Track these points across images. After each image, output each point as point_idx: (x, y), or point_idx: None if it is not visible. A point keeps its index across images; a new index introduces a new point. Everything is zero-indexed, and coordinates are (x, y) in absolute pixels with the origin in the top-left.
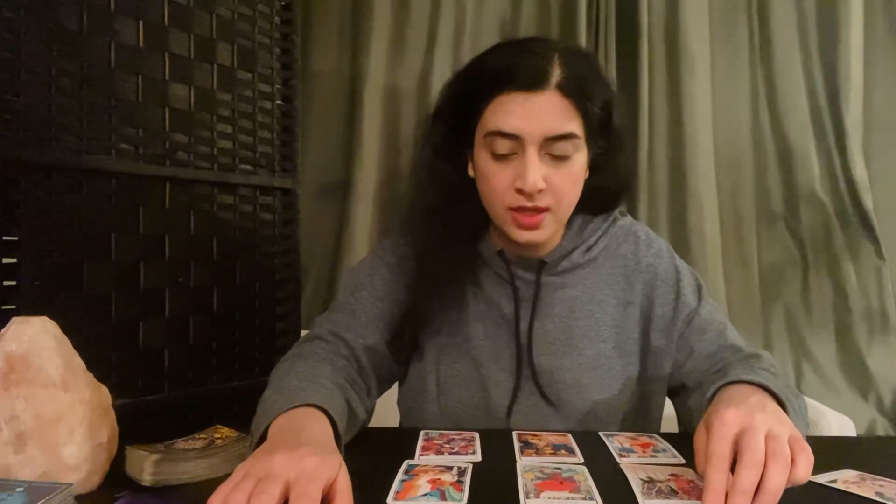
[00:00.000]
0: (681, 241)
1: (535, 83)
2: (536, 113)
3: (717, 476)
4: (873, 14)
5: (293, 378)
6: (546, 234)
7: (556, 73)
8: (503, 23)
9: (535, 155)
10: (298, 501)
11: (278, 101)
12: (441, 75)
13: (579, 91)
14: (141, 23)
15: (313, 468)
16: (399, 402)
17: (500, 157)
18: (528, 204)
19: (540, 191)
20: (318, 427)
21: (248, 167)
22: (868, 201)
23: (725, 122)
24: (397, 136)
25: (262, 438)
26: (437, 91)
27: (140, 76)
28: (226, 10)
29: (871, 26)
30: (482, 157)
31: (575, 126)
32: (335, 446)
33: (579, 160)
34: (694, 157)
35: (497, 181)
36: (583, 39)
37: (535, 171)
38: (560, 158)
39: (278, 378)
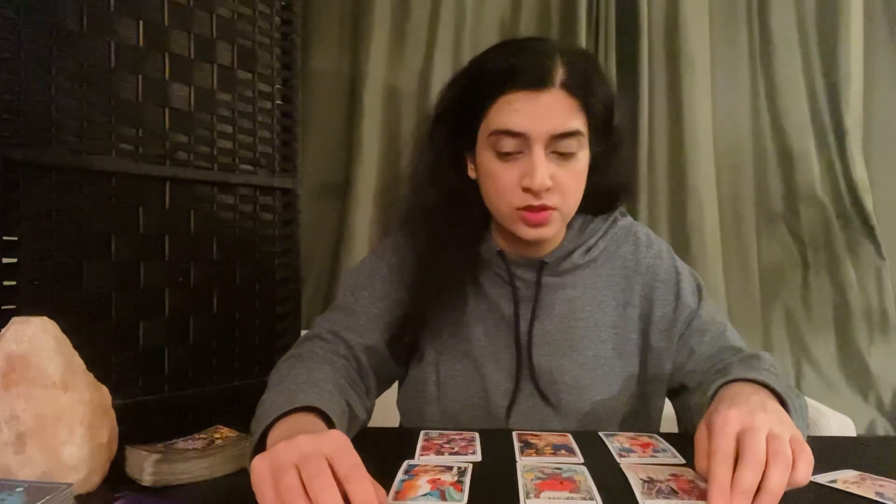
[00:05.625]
0: (681, 241)
1: (540, 81)
2: (542, 111)
3: (721, 470)
4: (873, 14)
5: (292, 380)
6: (552, 230)
7: (560, 72)
8: (503, 23)
9: (541, 153)
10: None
11: (278, 101)
12: (441, 75)
13: (583, 89)
14: (141, 23)
15: (340, 440)
16: (399, 403)
17: (505, 157)
18: (536, 202)
19: (547, 189)
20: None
21: (248, 167)
22: (868, 201)
23: (725, 122)
24: (397, 136)
25: (261, 439)
26: (437, 91)
27: (140, 76)
28: (226, 10)
29: (871, 26)
30: (486, 157)
31: (580, 124)
32: None
33: (583, 158)
34: (694, 157)
35: (503, 180)
36: (583, 39)
37: (543, 169)
38: (565, 156)
39: (277, 380)
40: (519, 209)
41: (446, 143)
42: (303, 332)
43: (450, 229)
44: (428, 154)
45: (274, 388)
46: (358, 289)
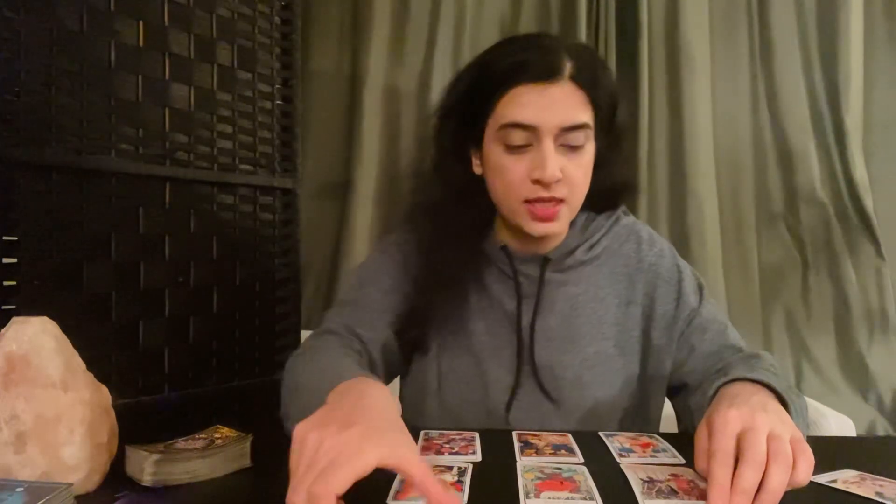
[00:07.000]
0: (681, 241)
1: (549, 74)
2: (552, 104)
3: (722, 471)
4: (873, 14)
5: (323, 366)
6: (560, 225)
7: (569, 65)
8: (503, 23)
9: (551, 145)
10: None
11: (278, 101)
12: (441, 75)
13: (591, 82)
14: (141, 23)
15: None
16: (400, 397)
17: (514, 150)
18: (545, 194)
19: (557, 181)
20: (378, 397)
21: (248, 167)
22: (868, 201)
23: (725, 122)
24: (397, 136)
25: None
26: (437, 91)
27: (140, 76)
28: (226, 10)
29: (871, 27)
30: (495, 151)
31: (588, 116)
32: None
33: (590, 151)
34: (694, 157)
35: (512, 173)
36: (583, 39)
37: (553, 160)
38: (574, 149)
39: (304, 369)
40: (528, 202)
41: (452, 139)
42: (303, 332)
43: (454, 225)
44: (434, 151)
45: (304, 373)
46: (366, 284)
